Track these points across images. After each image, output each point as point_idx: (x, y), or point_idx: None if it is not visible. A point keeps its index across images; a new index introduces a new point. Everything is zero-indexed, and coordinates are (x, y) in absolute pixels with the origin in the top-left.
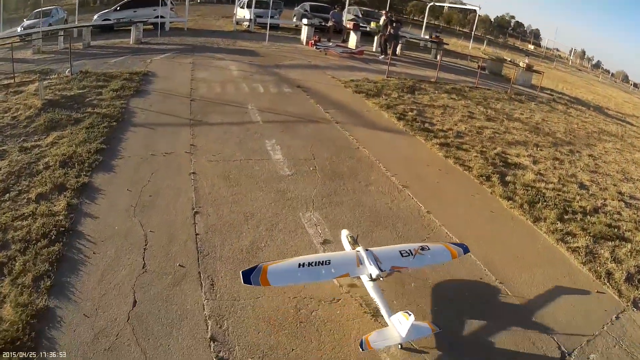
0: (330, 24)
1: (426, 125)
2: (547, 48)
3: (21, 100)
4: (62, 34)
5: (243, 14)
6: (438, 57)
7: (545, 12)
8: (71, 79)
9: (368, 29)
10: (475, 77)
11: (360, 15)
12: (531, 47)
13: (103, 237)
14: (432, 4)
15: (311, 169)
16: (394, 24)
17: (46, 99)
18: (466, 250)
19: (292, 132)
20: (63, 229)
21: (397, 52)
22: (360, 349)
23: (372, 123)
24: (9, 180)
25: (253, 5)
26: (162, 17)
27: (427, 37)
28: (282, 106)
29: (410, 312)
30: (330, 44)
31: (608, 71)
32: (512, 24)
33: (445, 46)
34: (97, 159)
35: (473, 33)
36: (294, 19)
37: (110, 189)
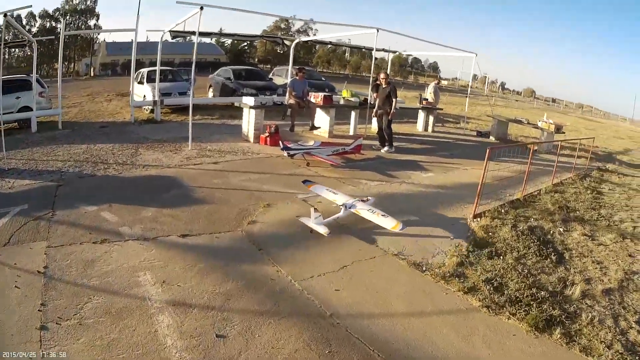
0: (290, 100)
1: None
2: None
3: None
4: None
5: (143, 92)
6: (430, 127)
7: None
8: None
9: (341, 102)
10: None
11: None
12: (444, 82)
13: None
14: (402, 53)
15: None
16: (395, 93)
17: None
18: (404, 227)
19: None
20: None
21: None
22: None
23: None
24: None
25: (157, 79)
26: (27, 108)
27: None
28: None
29: (318, 214)
30: (311, 143)
31: (518, 92)
32: (409, 61)
33: (439, 111)
34: None
35: (469, 88)
36: (210, 92)
37: None
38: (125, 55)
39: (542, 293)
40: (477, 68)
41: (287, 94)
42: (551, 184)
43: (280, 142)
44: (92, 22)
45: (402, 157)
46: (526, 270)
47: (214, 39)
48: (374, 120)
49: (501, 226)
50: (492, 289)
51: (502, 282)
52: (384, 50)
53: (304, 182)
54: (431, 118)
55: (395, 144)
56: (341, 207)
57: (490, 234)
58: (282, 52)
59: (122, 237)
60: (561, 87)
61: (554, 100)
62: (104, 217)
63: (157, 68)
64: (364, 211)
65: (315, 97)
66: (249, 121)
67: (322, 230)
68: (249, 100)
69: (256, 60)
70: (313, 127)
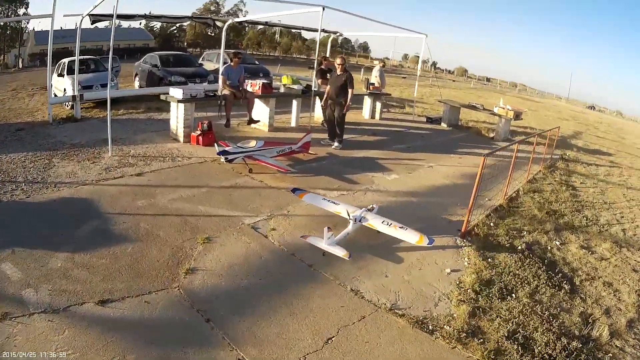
0: (225, 91)
1: None
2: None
3: None
4: None
5: (63, 85)
6: (377, 115)
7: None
8: None
9: (282, 89)
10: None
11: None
12: (375, 62)
13: None
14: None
15: None
16: (352, 83)
17: None
18: (431, 242)
19: None
20: None
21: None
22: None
23: None
24: None
25: (76, 71)
26: None
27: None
28: None
29: (331, 234)
30: (253, 143)
31: (450, 71)
32: (339, 42)
33: (387, 96)
34: None
35: (418, 70)
36: (136, 82)
37: None
38: (54, 44)
39: (574, 343)
40: (427, 50)
41: (221, 83)
42: (526, 181)
43: (215, 144)
44: (21, 11)
45: (357, 154)
46: (546, 312)
47: (142, 24)
48: (317, 108)
49: (498, 247)
50: (519, 347)
51: (527, 334)
52: (324, 31)
53: (294, 191)
54: (378, 104)
55: (345, 135)
56: (350, 220)
57: (489, 260)
58: (213, 34)
59: (27, 309)
60: (492, 66)
61: (488, 80)
62: (5, 273)
63: (76, 58)
64: (379, 224)
65: (253, 86)
66: (177, 117)
67: (341, 252)
68: (176, 93)
69: (185, 44)
70: (251, 121)
